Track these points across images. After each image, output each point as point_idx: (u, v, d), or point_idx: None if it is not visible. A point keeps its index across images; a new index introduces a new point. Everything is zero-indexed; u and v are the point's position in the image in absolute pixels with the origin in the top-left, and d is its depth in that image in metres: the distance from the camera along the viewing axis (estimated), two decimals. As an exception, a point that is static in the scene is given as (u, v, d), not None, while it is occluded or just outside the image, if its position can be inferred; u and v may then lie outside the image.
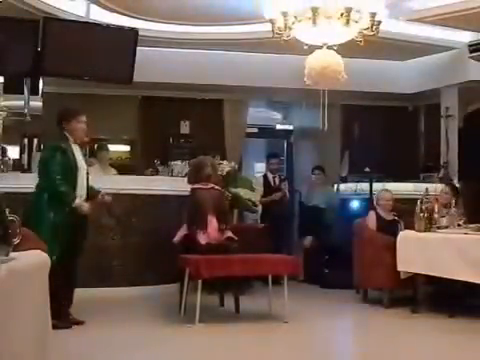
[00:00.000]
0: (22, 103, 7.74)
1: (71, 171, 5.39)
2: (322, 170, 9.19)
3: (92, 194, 5.61)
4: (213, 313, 5.90)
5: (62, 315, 5.20)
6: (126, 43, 7.56)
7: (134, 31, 7.57)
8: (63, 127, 5.49)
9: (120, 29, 7.58)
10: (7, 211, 3.36)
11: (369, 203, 7.83)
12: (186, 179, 6.55)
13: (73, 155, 5.43)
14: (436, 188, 7.10)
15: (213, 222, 6.01)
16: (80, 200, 5.36)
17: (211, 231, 5.98)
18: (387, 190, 7.26)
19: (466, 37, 8.40)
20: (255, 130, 10.55)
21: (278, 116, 10.97)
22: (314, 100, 8.08)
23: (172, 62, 8.91)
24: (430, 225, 6.29)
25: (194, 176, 6.32)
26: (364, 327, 6.01)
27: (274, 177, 8.86)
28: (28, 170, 7.43)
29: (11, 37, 6.92)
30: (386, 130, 10.07)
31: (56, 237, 5.15)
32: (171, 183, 7.50)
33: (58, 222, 5.29)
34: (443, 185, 7.34)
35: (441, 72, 9.07)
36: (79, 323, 5.37)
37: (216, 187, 6.24)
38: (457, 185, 7.95)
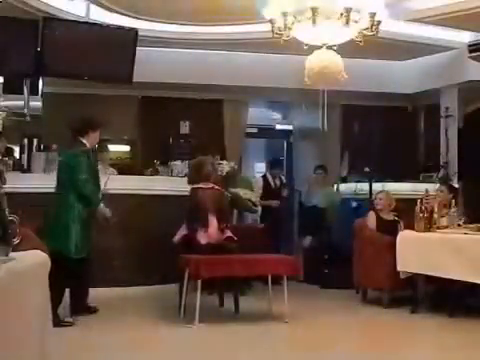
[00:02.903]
0: (22, 103, 7.75)
1: (96, 174, 5.74)
2: (325, 169, 9.15)
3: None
4: (213, 313, 5.89)
5: (79, 310, 5.58)
6: (126, 43, 7.56)
7: (134, 31, 7.57)
8: (83, 134, 5.65)
9: (120, 29, 7.58)
10: (7, 211, 3.36)
11: (369, 203, 7.83)
12: (186, 179, 6.56)
13: (94, 159, 5.76)
14: (436, 188, 7.10)
15: (213, 222, 6.01)
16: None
17: (211, 231, 5.98)
18: (382, 191, 7.27)
19: (466, 37, 8.41)
20: (255, 130, 10.55)
21: (278, 116, 10.98)
22: (314, 100, 8.10)
23: (172, 62, 8.91)
24: (430, 225, 6.29)
25: (194, 176, 6.32)
26: (364, 327, 6.01)
27: (274, 179, 8.85)
28: (28, 170, 7.43)
29: (11, 37, 6.92)
30: (386, 130, 10.06)
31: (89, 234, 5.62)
32: (171, 183, 7.51)
33: (86, 218, 5.60)
34: (439, 184, 7.35)
35: (441, 72, 9.07)
36: (94, 311, 5.76)
37: (216, 187, 6.24)
38: (455, 185, 7.95)
